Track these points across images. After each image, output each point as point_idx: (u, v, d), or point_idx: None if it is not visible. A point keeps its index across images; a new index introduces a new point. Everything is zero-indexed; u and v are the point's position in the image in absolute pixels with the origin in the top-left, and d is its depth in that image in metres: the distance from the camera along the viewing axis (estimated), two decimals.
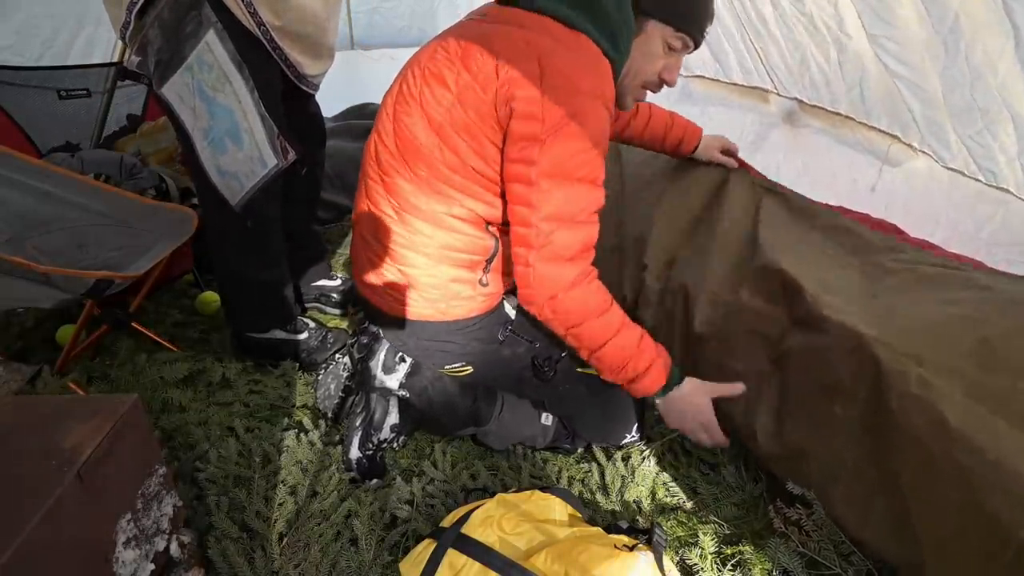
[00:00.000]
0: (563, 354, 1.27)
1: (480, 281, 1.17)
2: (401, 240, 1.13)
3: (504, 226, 1.13)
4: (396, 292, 1.18)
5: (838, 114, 1.91)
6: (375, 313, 1.27)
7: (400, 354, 1.28)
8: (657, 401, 1.17)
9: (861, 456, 0.97)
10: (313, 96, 1.54)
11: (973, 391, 0.85)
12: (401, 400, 1.27)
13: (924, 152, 1.67)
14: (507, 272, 1.21)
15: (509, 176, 1.03)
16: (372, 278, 1.21)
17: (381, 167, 1.12)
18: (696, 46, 1.15)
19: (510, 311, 1.27)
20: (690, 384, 1.15)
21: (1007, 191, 1.48)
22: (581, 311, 1.07)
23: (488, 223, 1.13)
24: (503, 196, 1.09)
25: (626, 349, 1.10)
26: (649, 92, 1.21)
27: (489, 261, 1.16)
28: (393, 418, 1.26)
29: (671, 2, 1.09)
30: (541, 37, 1.00)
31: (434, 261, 1.13)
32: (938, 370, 0.89)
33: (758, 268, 1.26)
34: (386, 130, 1.11)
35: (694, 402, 1.15)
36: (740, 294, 1.25)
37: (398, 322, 1.22)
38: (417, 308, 1.18)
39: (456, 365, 1.25)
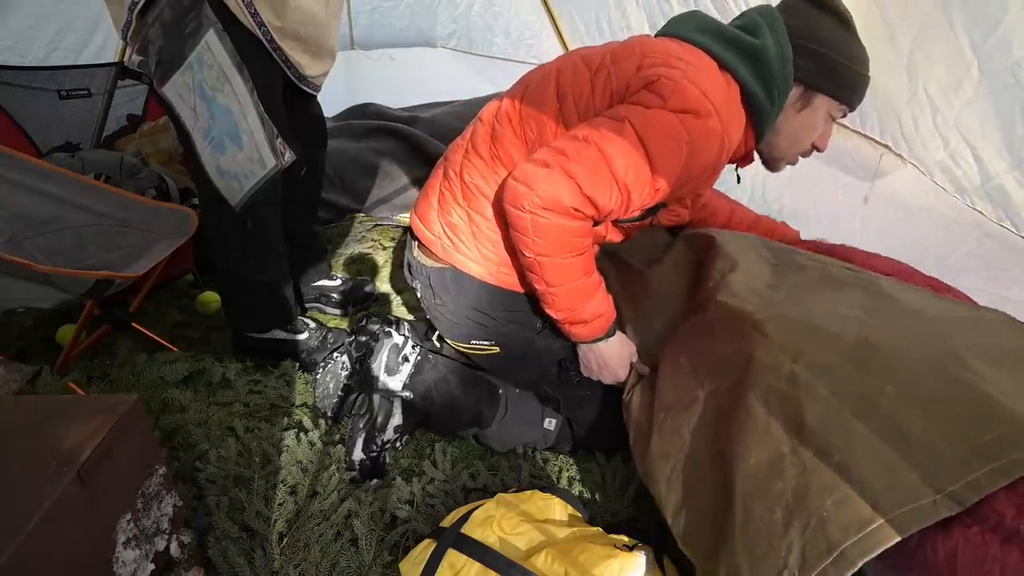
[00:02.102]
0: None
1: None
2: (483, 186, 1.15)
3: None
4: (455, 236, 1.19)
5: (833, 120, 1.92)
6: (420, 266, 1.27)
7: (403, 354, 1.28)
8: (583, 345, 1.19)
9: (702, 440, 0.95)
10: (315, 97, 1.54)
11: (840, 388, 0.83)
12: (404, 401, 1.27)
13: (912, 164, 1.67)
14: None
15: (608, 112, 1.03)
16: (437, 213, 1.22)
17: (498, 117, 1.16)
18: (851, 112, 1.18)
19: None
20: (619, 340, 1.18)
21: (980, 213, 1.48)
22: (558, 243, 1.03)
23: None
24: None
25: (581, 296, 1.10)
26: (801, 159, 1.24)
27: None
28: (397, 419, 1.26)
29: (844, 81, 1.11)
30: (695, 59, 1.03)
31: (504, 219, 1.13)
32: (811, 365, 0.88)
33: (682, 240, 1.34)
34: (517, 91, 1.17)
35: (618, 355, 1.18)
36: (664, 259, 1.33)
37: (443, 273, 1.22)
38: (469, 260, 1.19)
39: (484, 343, 1.25)
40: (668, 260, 1.33)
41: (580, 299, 1.10)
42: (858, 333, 0.90)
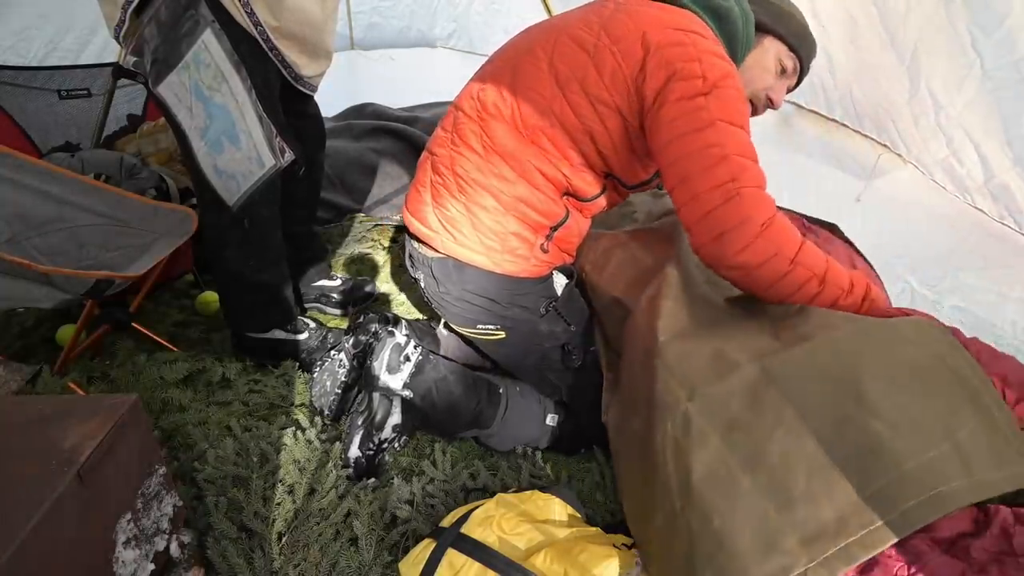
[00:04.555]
0: (592, 348, 1.29)
1: (541, 247, 1.19)
2: (479, 177, 1.15)
3: (580, 201, 1.19)
4: (455, 229, 1.19)
5: (833, 120, 1.91)
6: (421, 257, 1.27)
7: (404, 354, 1.28)
8: None
9: (638, 482, 0.94)
10: (312, 97, 1.54)
11: (731, 434, 0.82)
12: (404, 401, 1.27)
13: (912, 163, 1.67)
14: (566, 248, 1.25)
15: (673, 129, 1.01)
16: (433, 211, 1.22)
17: (484, 105, 1.15)
18: (802, 76, 1.25)
19: (558, 288, 1.28)
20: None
21: (982, 212, 1.49)
22: (794, 232, 1.01)
23: (567, 193, 1.17)
24: (598, 171, 1.15)
25: (837, 264, 1.04)
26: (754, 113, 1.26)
27: (554, 229, 1.19)
28: (395, 419, 1.26)
29: (787, 20, 1.20)
30: (679, 17, 1.08)
31: (504, 208, 1.14)
32: (705, 406, 0.85)
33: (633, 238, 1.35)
34: (500, 75, 1.15)
35: None
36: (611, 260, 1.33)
37: (445, 264, 1.22)
38: (470, 251, 1.18)
39: (490, 327, 1.25)
40: (615, 260, 1.33)
41: (840, 267, 1.04)
42: (762, 362, 0.87)
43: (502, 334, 1.26)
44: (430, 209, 1.22)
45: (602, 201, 1.21)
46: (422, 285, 1.31)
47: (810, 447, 0.77)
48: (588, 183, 1.16)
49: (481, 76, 1.21)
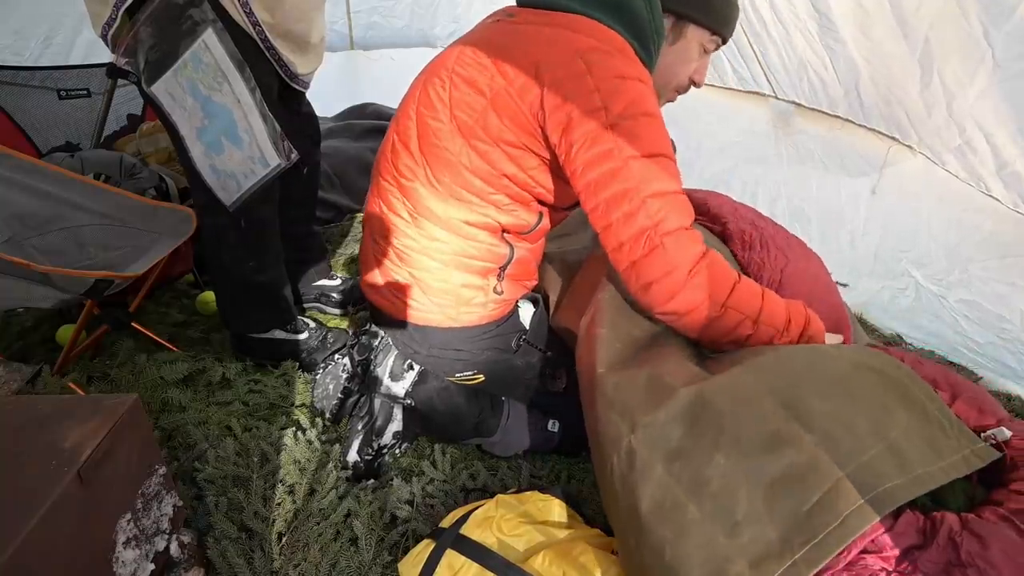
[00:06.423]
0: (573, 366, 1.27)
1: (494, 289, 1.16)
2: (413, 244, 1.12)
3: (522, 234, 1.14)
4: (404, 295, 1.17)
5: (837, 117, 1.91)
6: (382, 319, 1.26)
7: (409, 361, 1.27)
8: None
9: (612, 514, 0.93)
10: (304, 95, 1.53)
11: (674, 462, 0.80)
12: (406, 408, 1.27)
13: (923, 154, 1.67)
14: (523, 278, 1.21)
15: (586, 176, 0.96)
16: (380, 280, 1.20)
17: (398, 170, 1.11)
18: (724, 44, 1.18)
19: (525, 320, 1.25)
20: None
21: (997, 200, 1.49)
22: (725, 275, 0.96)
23: (505, 231, 1.12)
24: (527, 203, 1.09)
25: (777, 300, 0.99)
26: (678, 95, 1.22)
27: (503, 268, 1.15)
28: (396, 425, 1.25)
29: (711, 8, 1.11)
30: (576, 35, 0.98)
31: (445, 266, 1.11)
32: (647, 437, 0.84)
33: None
34: (407, 133, 1.09)
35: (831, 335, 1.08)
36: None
37: (406, 328, 1.20)
38: (426, 313, 1.16)
39: (468, 373, 1.24)
40: (563, 304, 1.30)
41: (779, 302, 1.00)
42: (696, 386, 0.86)
43: (481, 377, 1.24)
44: (379, 279, 1.21)
45: (545, 224, 1.16)
46: (390, 343, 1.30)
47: (748, 468, 0.76)
48: (522, 219, 1.11)
49: (391, 134, 1.14)
